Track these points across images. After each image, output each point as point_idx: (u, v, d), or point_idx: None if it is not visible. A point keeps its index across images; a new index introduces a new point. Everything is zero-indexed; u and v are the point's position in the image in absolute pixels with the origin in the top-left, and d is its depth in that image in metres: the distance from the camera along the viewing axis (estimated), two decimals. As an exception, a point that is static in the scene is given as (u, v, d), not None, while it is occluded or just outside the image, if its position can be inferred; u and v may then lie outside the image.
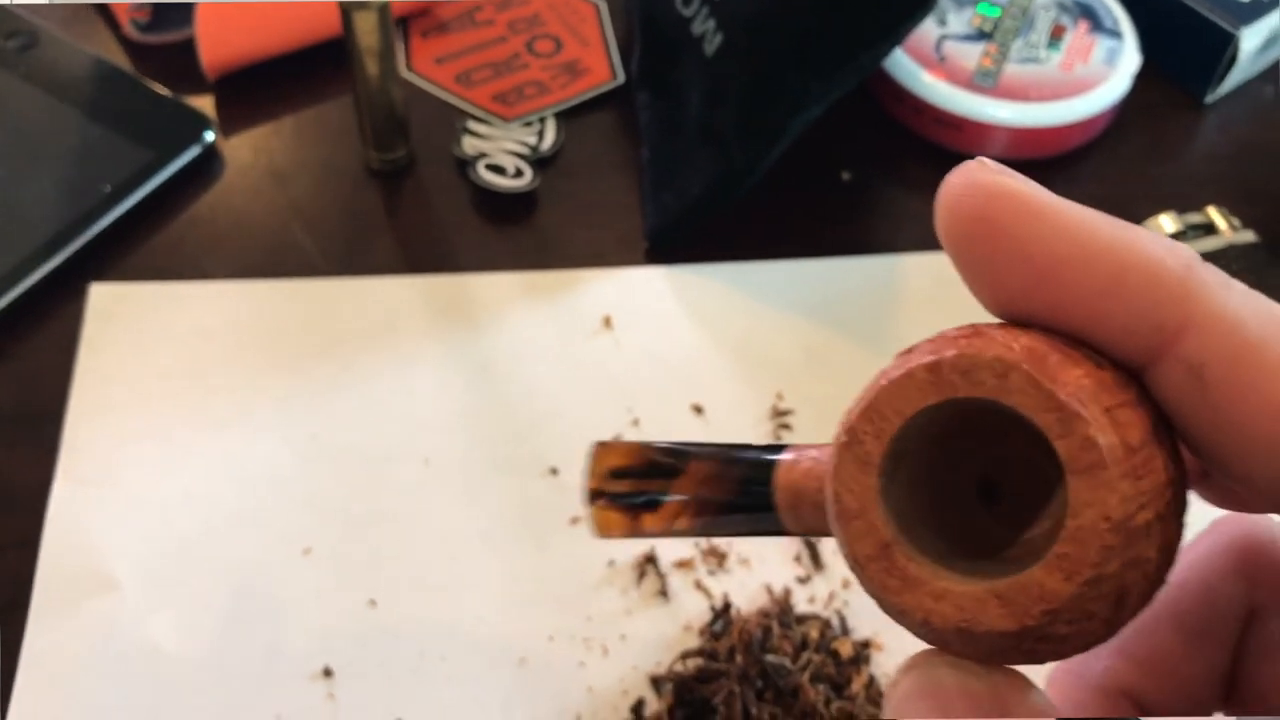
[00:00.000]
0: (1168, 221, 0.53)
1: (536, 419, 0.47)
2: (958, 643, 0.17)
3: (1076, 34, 0.57)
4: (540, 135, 0.56)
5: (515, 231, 0.53)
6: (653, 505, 0.23)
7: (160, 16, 0.58)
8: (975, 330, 0.17)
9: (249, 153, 0.55)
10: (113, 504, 0.44)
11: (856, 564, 0.18)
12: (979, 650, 0.17)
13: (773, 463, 0.21)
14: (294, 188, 0.54)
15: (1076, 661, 0.22)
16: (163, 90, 0.55)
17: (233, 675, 0.41)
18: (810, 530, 0.21)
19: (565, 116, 0.57)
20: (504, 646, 0.42)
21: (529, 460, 0.46)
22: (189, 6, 0.56)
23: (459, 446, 0.47)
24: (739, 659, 0.41)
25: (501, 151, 0.55)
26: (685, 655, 0.42)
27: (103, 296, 0.49)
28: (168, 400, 0.47)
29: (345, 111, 0.56)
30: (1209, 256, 0.52)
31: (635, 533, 0.23)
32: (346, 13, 0.49)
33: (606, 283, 0.52)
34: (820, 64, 0.48)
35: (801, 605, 0.43)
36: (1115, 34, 0.58)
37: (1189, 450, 0.18)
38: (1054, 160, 0.57)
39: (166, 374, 0.48)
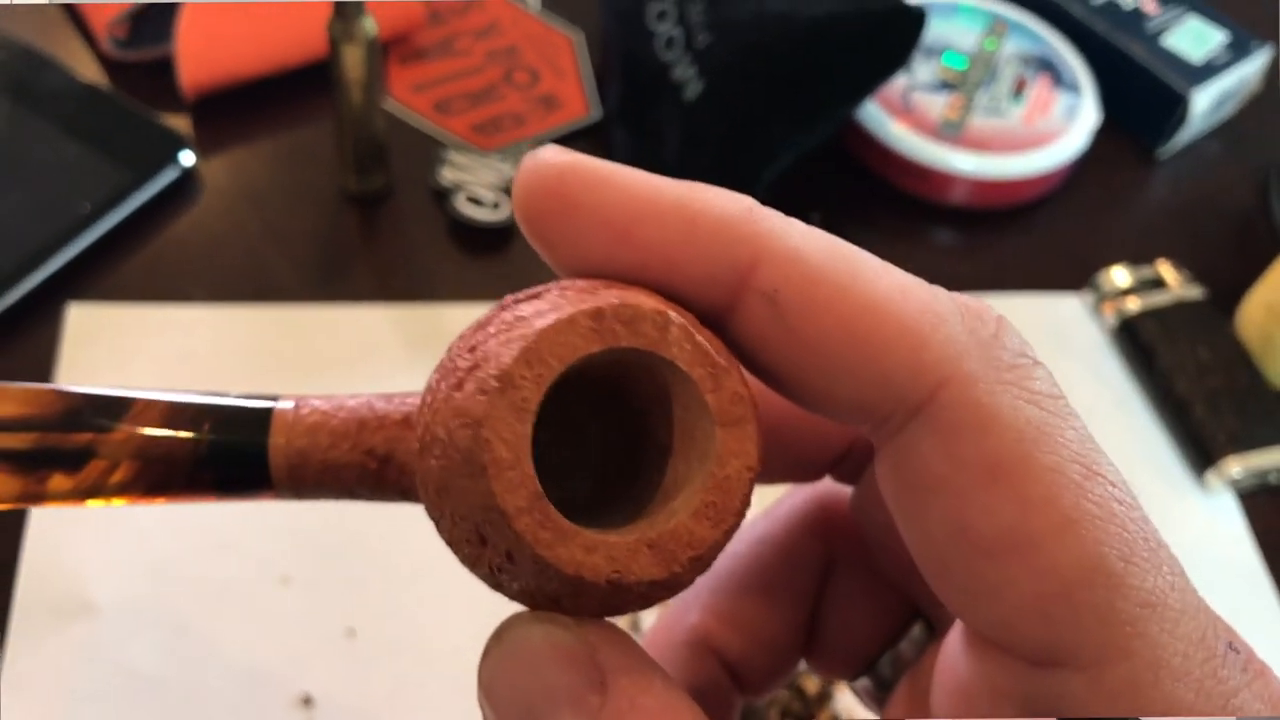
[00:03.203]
0: (1121, 274, 0.55)
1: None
2: (570, 599, 0.17)
3: (1038, 87, 0.60)
4: (518, 167, 0.56)
5: (491, 262, 0.54)
6: (72, 464, 0.19)
7: (139, 33, 0.58)
8: (606, 283, 0.18)
9: (226, 175, 0.55)
10: (92, 528, 0.45)
11: (505, 517, 0.16)
12: (589, 605, 0.17)
13: (267, 414, 0.19)
14: (271, 211, 0.54)
15: (669, 619, 0.24)
16: (140, 109, 0.55)
17: (212, 702, 0.42)
18: (305, 498, 0.19)
19: (542, 149, 0.57)
20: (481, 678, 0.43)
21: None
22: (168, 24, 0.56)
23: (436, 477, 0.47)
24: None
25: (480, 183, 0.55)
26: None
27: (80, 317, 0.49)
28: (146, 424, 0.47)
29: (324, 136, 0.57)
30: (1158, 311, 0.54)
31: (36, 499, 0.19)
32: (335, 43, 0.50)
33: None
34: (798, 115, 0.50)
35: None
36: (1075, 89, 0.60)
37: (775, 390, 0.19)
38: (1012, 210, 0.59)
39: (144, 397, 0.48)
